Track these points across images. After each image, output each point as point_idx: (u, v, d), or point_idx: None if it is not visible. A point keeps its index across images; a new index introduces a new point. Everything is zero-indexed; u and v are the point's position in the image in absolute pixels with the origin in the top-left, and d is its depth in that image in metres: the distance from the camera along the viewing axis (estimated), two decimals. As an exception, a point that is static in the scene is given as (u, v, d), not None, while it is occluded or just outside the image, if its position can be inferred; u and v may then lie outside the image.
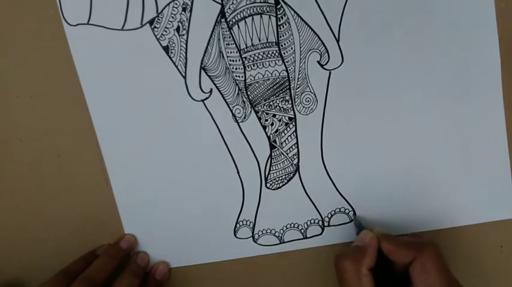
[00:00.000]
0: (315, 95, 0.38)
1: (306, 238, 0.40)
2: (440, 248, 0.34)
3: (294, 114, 0.39)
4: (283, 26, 0.37)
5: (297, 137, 0.39)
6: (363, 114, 0.38)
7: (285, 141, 0.39)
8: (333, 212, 0.40)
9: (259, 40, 0.37)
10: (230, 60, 0.37)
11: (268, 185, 0.40)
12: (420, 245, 0.33)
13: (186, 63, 0.38)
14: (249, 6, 0.36)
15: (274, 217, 0.40)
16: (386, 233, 0.36)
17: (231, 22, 0.37)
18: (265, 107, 0.38)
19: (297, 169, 0.40)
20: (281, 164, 0.39)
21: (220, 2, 0.36)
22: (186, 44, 0.37)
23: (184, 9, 0.37)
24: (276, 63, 0.37)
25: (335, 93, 0.38)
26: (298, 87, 0.38)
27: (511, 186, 0.39)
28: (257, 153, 0.39)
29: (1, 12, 0.37)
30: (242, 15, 0.36)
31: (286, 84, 0.38)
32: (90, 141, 0.39)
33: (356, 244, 0.36)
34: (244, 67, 0.37)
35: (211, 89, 0.38)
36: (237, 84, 0.38)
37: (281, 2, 0.36)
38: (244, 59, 0.37)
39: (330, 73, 0.38)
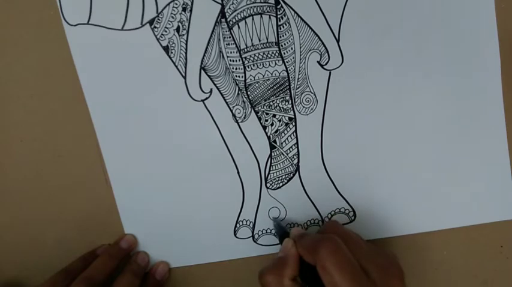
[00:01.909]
0: (315, 95, 0.38)
1: (306, 238, 0.40)
2: (338, 241, 0.31)
3: (294, 115, 0.39)
4: (283, 26, 0.37)
5: (297, 137, 0.39)
6: (363, 115, 0.38)
7: (285, 141, 0.39)
8: (332, 212, 0.40)
9: (259, 40, 0.37)
10: (230, 60, 0.37)
11: (268, 185, 0.40)
12: (316, 245, 0.31)
13: (186, 63, 0.38)
14: (249, 6, 0.36)
15: (274, 216, 0.40)
16: (301, 234, 0.35)
17: (231, 22, 0.37)
18: (265, 107, 0.38)
19: (297, 169, 0.40)
20: (281, 164, 0.40)
21: (220, 2, 0.36)
22: (186, 44, 0.37)
23: (184, 9, 0.37)
24: (276, 64, 0.37)
25: (335, 93, 0.38)
26: (298, 88, 0.38)
27: (511, 186, 0.39)
28: (257, 153, 0.39)
29: (1, 12, 0.37)
30: (242, 15, 0.36)
31: (286, 84, 0.38)
32: (90, 142, 0.39)
33: (280, 254, 0.34)
34: (244, 67, 0.37)
35: (211, 89, 0.38)
36: (237, 84, 0.38)
37: (281, 2, 0.36)
38: (244, 59, 0.37)
39: (330, 73, 0.38)
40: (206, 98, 0.38)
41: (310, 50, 0.37)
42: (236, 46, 0.37)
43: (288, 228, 0.39)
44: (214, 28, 0.37)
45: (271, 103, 0.38)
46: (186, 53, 0.37)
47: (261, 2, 0.36)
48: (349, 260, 0.31)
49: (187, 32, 0.37)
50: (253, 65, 0.37)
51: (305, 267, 0.33)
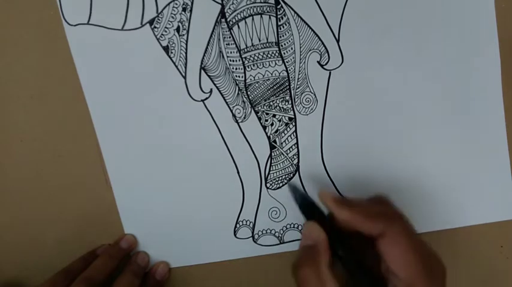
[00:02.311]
0: (315, 95, 0.38)
1: (306, 238, 0.40)
2: (408, 219, 0.31)
3: (294, 115, 0.39)
4: (283, 26, 0.37)
5: (297, 137, 0.39)
6: (363, 115, 0.38)
7: (285, 141, 0.39)
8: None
9: (259, 40, 0.37)
10: (230, 60, 0.37)
11: (268, 185, 0.40)
12: (388, 217, 0.31)
13: (186, 63, 0.38)
14: (249, 6, 0.36)
15: (274, 217, 0.40)
16: (343, 199, 0.33)
17: (231, 22, 0.37)
18: (265, 107, 0.38)
19: (297, 169, 0.40)
20: (281, 164, 0.40)
21: (220, 2, 0.36)
22: (186, 44, 0.37)
23: (184, 9, 0.37)
24: (276, 64, 0.37)
25: (335, 93, 0.38)
26: (298, 88, 0.38)
27: (511, 186, 0.39)
28: (257, 153, 0.39)
29: (1, 12, 0.37)
30: (242, 16, 0.36)
31: (286, 84, 0.38)
32: (90, 142, 0.39)
33: (305, 243, 0.33)
34: (244, 67, 0.38)
35: (211, 89, 0.38)
36: (237, 84, 0.38)
37: (281, 2, 0.36)
38: (244, 59, 0.37)
39: (330, 73, 0.38)
40: (206, 98, 0.38)
41: (310, 50, 0.37)
42: (236, 46, 0.37)
43: (311, 195, 0.36)
44: (214, 28, 0.37)
45: (271, 103, 0.38)
46: (186, 53, 0.37)
47: (261, 2, 0.36)
48: (420, 240, 0.30)
49: (188, 32, 0.37)
50: (253, 65, 0.37)
51: (335, 241, 0.32)
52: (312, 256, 0.32)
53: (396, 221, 0.31)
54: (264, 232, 0.41)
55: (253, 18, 0.37)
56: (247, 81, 0.38)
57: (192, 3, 0.36)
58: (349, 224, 0.32)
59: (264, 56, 0.37)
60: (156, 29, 0.37)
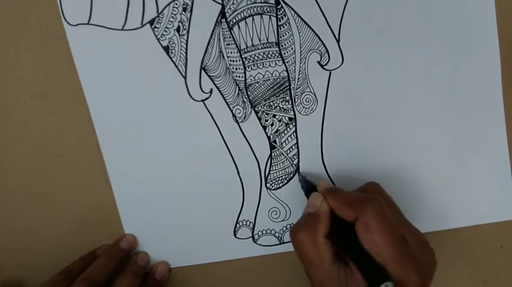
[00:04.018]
0: (315, 95, 0.38)
1: (306, 238, 0.40)
2: (383, 202, 0.31)
3: (294, 115, 0.39)
4: (283, 27, 0.37)
5: (297, 137, 0.39)
6: (363, 115, 0.38)
7: (285, 141, 0.39)
8: (333, 212, 0.40)
9: (260, 40, 0.37)
10: (230, 60, 0.37)
11: (268, 185, 0.40)
12: (361, 202, 0.31)
13: (186, 64, 0.38)
14: (249, 6, 0.36)
15: (274, 217, 0.40)
16: (332, 188, 0.34)
17: (231, 22, 0.37)
18: (265, 107, 0.38)
19: (297, 169, 0.40)
20: (281, 164, 0.40)
21: (220, 2, 0.36)
22: (187, 44, 0.37)
23: (184, 10, 0.37)
24: (276, 64, 0.37)
25: (335, 93, 0.38)
26: (299, 88, 0.38)
27: (511, 186, 0.39)
28: (257, 153, 0.39)
29: (1, 12, 0.37)
30: (242, 16, 0.36)
31: (287, 84, 0.38)
32: (90, 141, 0.39)
33: (308, 210, 0.33)
34: (245, 67, 0.38)
35: (211, 89, 0.38)
36: (237, 84, 0.38)
37: (281, 3, 0.36)
38: (244, 59, 0.37)
39: (330, 73, 0.38)
40: (206, 98, 0.38)
41: (310, 50, 0.37)
42: (236, 46, 0.37)
43: (314, 182, 0.37)
44: (214, 28, 0.37)
45: (271, 103, 0.38)
46: (186, 53, 0.37)
47: (261, 2, 0.36)
48: (393, 224, 0.31)
49: (188, 32, 0.37)
50: (254, 65, 0.37)
51: (335, 223, 0.32)
52: (311, 223, 0.32)
53: (370, 205, 0.31)
54: (264, 232, 0.41)
55: (253, 19, 0.37)
56: (247, 81, 0.38)
57: (192, 3, 0.36)
58: (334, 210, 0.33)
59: (264, 56, 0.37)
60: (156, 29, 0.37)
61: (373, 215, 0.30)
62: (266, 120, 0.39)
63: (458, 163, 0.39)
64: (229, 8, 0.36)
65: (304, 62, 0.38)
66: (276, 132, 0.39)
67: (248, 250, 0.41)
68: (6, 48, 0.38)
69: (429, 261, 0.31)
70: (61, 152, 0.40)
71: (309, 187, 0.36)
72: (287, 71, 0.38)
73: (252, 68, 0.37)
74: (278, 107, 0.38)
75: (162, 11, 0.37)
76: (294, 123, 0.39)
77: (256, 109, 0.38)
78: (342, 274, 0.31)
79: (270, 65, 0.37)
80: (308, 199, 0.35)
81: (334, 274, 0.31)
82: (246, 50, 0.37)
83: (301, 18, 0.37)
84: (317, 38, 0.37)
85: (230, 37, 0.37)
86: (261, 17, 0.36)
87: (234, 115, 0.39)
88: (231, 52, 0.37)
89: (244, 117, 0.39)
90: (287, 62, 0.37)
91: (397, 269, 0.29)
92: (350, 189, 0.39)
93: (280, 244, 0.41)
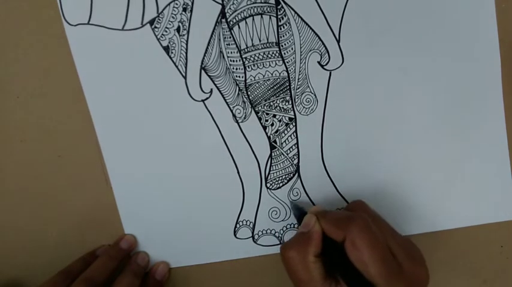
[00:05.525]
0: (315, 95, 0.38)
1: (306, 238, 0.40)
2: (368, 220, 0.32)
3: (294, 115, 0.39)
4: (283, 27, 0.37)
5: (297, 137, 0.39)
6: (363, 115, 0.38)
7: (285, 141, 0.39)
8: (333, 212, 0.40)
9: (260, 40, 0.37)
10: (230, 60, 0.37)
11: (268, 185, 0.40)
12: (347, 221, 0.32)
13: (186, 64, 0.38)
14: (249, 6, 0.36)
15: (274, 217, 0.40)
16: (323, 210, 0.35)
17: (231, 22, 0.37)
18: (265, 107, 0.38)
19: (297, 169, 0.40)
20: (281, 164, 0.40)
21: (220, 2, 0.36)
22: (187, 44, 0.37)
23: (184, 10, 0.37)
24: (276, 64, 0.37)
25: (335, 93, 0.38)
26: (299, 88, 0.38)
27: (511, 186, 0.39)
28: (257, 153, 0.39)
29: (1, 12, 0.37)
30: (243, 16, 0.36)
31: (287, 84, 0.38)
32: (90, 141, 0.39)
33: (301, 230, 0.34)
34: (245, 67, 0.38)
35: (211, 89, 0.38)
36: (237, 84, 0.38)
37: (282, 3, 0.36)
38: (244, 59, 0.37)
39: (330, 73, 0.38)
40: (206, 98, 0.38)
41: (310, 50, 0.37)
42: (236, 46, 0.37)
43: (305, 208, 0.38)
44: (214, 28, 0.37)
45: (271, 103, 0.38)
46: (186, 53, 0.37)
47: (261, 2, 0.36)
48: (379, 240, 0.31)
49: (188, 32, 0.37)
50: (254, 65, 0.37)
51: (327, 243, 0.33)
52: (303, 242, 0.33)
53: (355, 223, 0.31)
54: (264, 232, 0.41)
55: (253, 19, 0.37)
56: (247, 81, 0.38)
57: (192, 4, 0.36)
58: (326, 233, 0.33)
59: (265, 56, 0.37)
60: (156, 29, 0.37)
61: (358, 233, 0.31)
62: (266, 120, 0.39)
63: (458, 163, 0.39)
64: (230, 8, 0.36)
65: (304, 62, 0.38)
66: (276, 132, 0.39)
67: (248, 250, 0.41)
68: (6, 48, 0.38)
69: (420, 275, 0.31)
70: (61, 152, 0.40)
71: (300, 214, 0.37)
72: (287, 71, 0.38)
73: (252, 68, 0.37)
74: (278, 107, 0.38)
75: (162, 11, 0.37)
76: (294, 124, 0.39)
77: (256, 109, 0.38)
78: None
79: (270, 65, 0.37)
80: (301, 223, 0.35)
81: None
82: (246, 50, 0.37)
83: (301, 18, 0.37)
84: (317, 38, 0.37)
85: (230, 37, 0.37)
86: (261, 17, 0.36)
87: (234, 115, 0.39)
88: (231, 52, 0.37)
89: (245, 117, 0.39)
90: (287, 62, 0.37)
91: (386, 286, 0.29)
92: (350, 189, 0.40)
93: (280, 244, 0.41)
